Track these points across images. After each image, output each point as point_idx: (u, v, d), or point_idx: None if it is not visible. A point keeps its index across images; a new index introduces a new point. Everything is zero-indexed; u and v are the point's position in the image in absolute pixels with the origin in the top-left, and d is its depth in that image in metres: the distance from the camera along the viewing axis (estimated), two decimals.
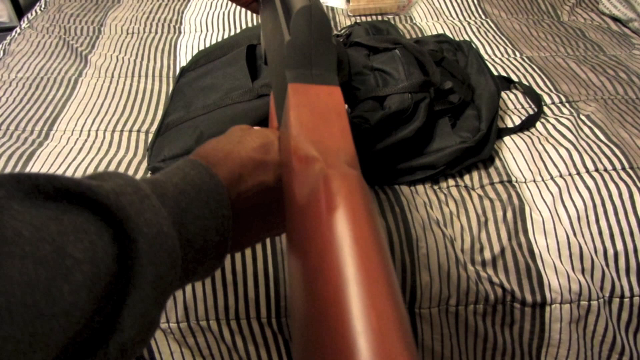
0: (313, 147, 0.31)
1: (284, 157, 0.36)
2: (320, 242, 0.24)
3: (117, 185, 0.28)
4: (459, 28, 1.17)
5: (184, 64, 1.05)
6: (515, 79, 0.94)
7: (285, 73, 0.37)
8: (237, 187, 0.36)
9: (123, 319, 0.26)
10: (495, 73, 0.96)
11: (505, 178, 0.73)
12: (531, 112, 0.85)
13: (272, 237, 0.66)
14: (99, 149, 0.82)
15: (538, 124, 0.82)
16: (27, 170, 0.77)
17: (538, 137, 0.79)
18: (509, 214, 0.68)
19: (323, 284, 0.22)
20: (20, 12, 2.21)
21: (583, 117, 0.82)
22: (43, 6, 1.38)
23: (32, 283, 0.21)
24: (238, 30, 1.21)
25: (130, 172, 0.77)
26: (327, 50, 0.38)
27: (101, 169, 0.77)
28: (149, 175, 0.76)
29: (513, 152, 0.77)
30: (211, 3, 1.35)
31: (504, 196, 0.70)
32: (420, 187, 0.72)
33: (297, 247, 0.28)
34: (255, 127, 0.43)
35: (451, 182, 0.73)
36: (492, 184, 0.72)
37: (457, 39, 1.11)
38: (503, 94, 0.90)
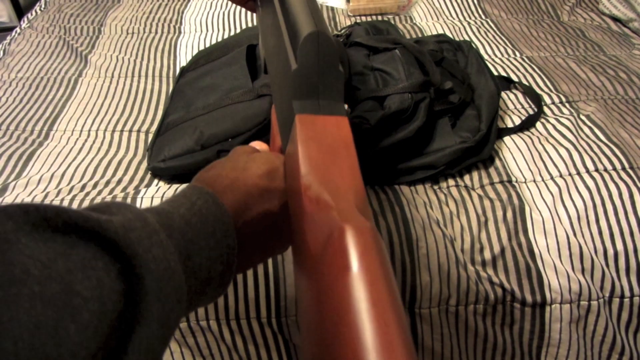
0: (324, 188, 0.31)
1: (291, 189, 0.36)
2: (337, 303, 0.25)
3: (126, 219, 0.28)
4: (459, 28, 1.17)
5: (184, 64, 1.05)
6: (515, 79, 0.94)
7: (291, 102, 0.37)
8: (242, 215, 0.36)
9: (128, 356, 0.26)
10: (495, 73, 0.96)
11: (505, 178, 0.73)
12: (531, 112, 0.85)
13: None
14: (99, 149, 0.82)
15: (538, 124, 0.82)
16: (28, 169, 0.77)
17: (538, 137, 0.79)
18: (509, 214, 0.68)
19: (341, 347, 0.23)
20: (20, 12, 2.21)
21: (583, 117, 0.82)
22: (43, 6, 1.38)
23: (40, 325, 0.21)
24: (238, 30, 1.21)
25: (130, 172, 0.77)
26: (335, 78, 0.37)
27: (101, 169, 0.77)
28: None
29: (513, 152, 0.77)
30: (211, 3, 1.35)
31: (504, 196, 0.70)
32: (420, 187, 0.72)
33: (311, 292, 0.28)
34: (260, 151, 0.43)
35: (451, 182, 0.73)
36: (492, 184, 0.72)
37: (457, 39, 1.11)
38: (503, 94, 0.90)
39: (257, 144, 0.49)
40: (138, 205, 0.68)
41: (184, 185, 0.72)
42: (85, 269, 0.24)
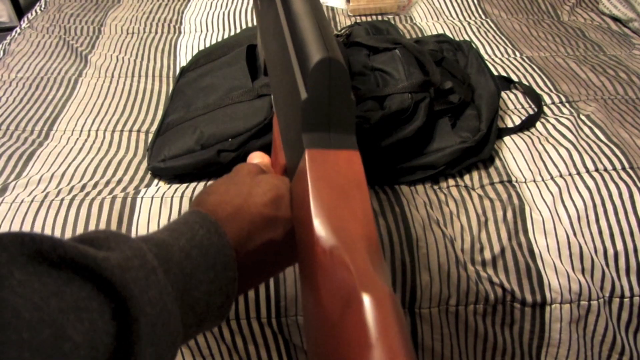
0: (337, 238, 0.30)
1: (298, 219, 0.35)
2: (357, 350, 0.25)
3: (123, 257, 0.27)
4: (459, 28, 1.17)
5: (184, 64, 1.05)
6: (515, 79, 0.94)
7: (300, 131, 0.35)
8: (245, 245, 0.35)
9: None
10: (495, 73, 0.96)
11: (505, 178, 0.73)
12: (531, 112, 0.85)
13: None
14: (99, 149, 0.82)
15: (538, 124, 0.82)
16: (28, 169, 0.77)
17: (538, 137, 0.79)
18: (509, 214, 0.68)
19: None
20: (20, 12, 2.21)
21: (583, 117, 0.82)
22: (43, 6, 1.38)
23: None
24: (238, 30, 1.21)
25: (130, 172, 0.77)
26: (346, 108, 0.35)
27: (101, 169, 0.77)
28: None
29: (513, 152, 0.77)
30: (211, 3, 1.35)
31: (504, 196, 0.70)
32: (420, 187, 0.72)
33: (327, 345, 0.28)
34: (265, 170, 0.42)
35: (451, 182, 0.73)
36: (492, 184, 0.72)
37: (457, 39, 1.11)
38: (503, 94, 0.90)
39: (259, 156, 0.47)
40: (138, 205, 0.68)
41: (186, 188, 0.72)
42: (78, 310, 0.23)
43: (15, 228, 0.66)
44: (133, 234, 0.66)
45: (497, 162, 0.76)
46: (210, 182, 0.72)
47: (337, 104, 0.35)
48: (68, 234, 0.66)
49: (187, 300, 0.31)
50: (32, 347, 0.21)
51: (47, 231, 0.66)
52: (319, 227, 0.31)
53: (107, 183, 0.74)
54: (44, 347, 0.21)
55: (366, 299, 0.26)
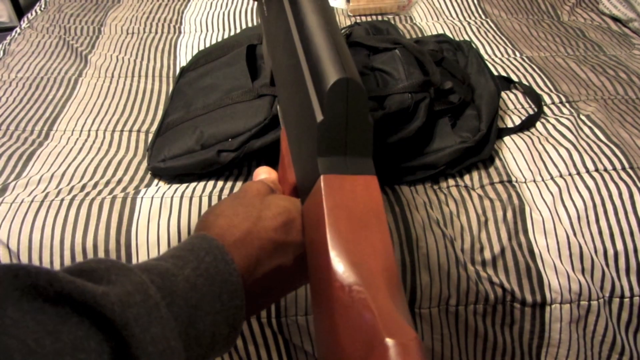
0: (356, 274, 0.29)
1: (311, 243, 0.34)
2: None
3: (124, 292, 0.26)
4: (459, 28, 1.17)
5: (184, 64, 1.05)
6: (515, 79, 0.94)
7: (315, 158, 0.33)
8: (254, 272, 0.34)
9: None
10: (495, 73, 0.96)
11: (505, 178, 0.73)
12: (531, 112, 0.85)
13: None
14: (99, 149, 0.82)
15: (538, 124, 0.82)
16: (28, 169, 0.77)
17: (538, 137, 0.79)
18: (509, 214, 0.68)
19: None
20: (20, 12, 2.21)
21: (583, 117, 0.82)
22: (43, 6, 1.38)
23: None
24: (238, 30, 1.21)
25: (130, 172, 0.77)
26: (364, 131, 0.33)
27: (101, 169, 0.77)
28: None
29: (513, 152, 0.77)
30: (211, 3, 1.35)
31: (504, 196, 0.70)
32: (420, 187, 0.72)
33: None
34: (274, 194, 0.39)
35: (451, 182, 0.73)
36: (492, 184, 0.72)
37: (457, 39, 1.11)
38: (503, 94, 0.90)
39: (266, 171, 0.45)
40: (138, 205, 0.68)
41: (186, 188, 0.72)
42: (75, 351, 0.22)
43: (15, 228, 0.66)
44: (133, 234, 0.66)
45: (497, 162, 0.76)
46: (214, 192, 0.72)
47: (355, 127, 0.33)
48: (68, 234, 0.66)
49: (191, 334, 0.29)
50: None
51: (48, 232, 0.66)
52: (337, 261, 0.29)
53: (107, 183, 0.74)
54: None
55: (392, 345, 0.25)
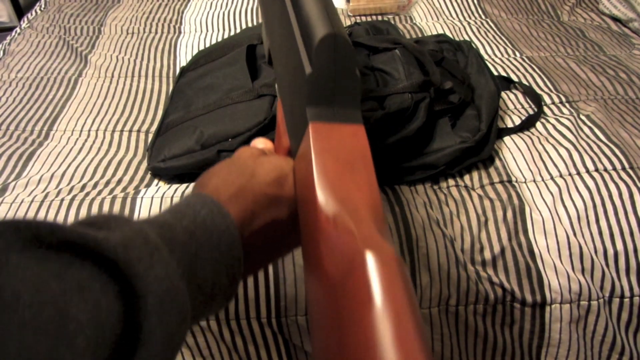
0: (341, 207, 0.30)
1: (302, 198, 0.35)
2: (362, 337, 0.24)
3: (125, 237, 0.26)
4: (459, 28, 1.17)
5: (184, 64, 1.05)
6: (515, 79, 0.94)
7: (304, 107, 0.35)
8: (250, 225, 0.35)
9: None
10: (495, 73, 0.96)
11: (505, 178, 0.73)
12: (531, 112, 0.85)
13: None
14: (99, 149, 0.82)
15: (538, 124, 0.82)
16: (28, 169, 0.77)
17: (538, 137, 0.79)
18: (509, 214, 0.68)
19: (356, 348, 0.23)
20: (20, 12, 2.21)
21: (583, 117, 0.82)
22: (43, 6, 1.38)
23: (32, 355, 0.20)
24: (238, 30, 1.21)
25: (130, 172, 0.77)
26: (351, 83, 0.35)
27: (101, 169, 0.77)
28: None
29: (513, 152, 0.77)
30: (211, 3, 1.35)
31: (504, 196, 0.70)
32: (420, 187, 0.72)
33: (330, 317, 0.27)
34: (267, 152, 0.41)
35: (451, 182, 0.73)
36: (492, 184, 0.72)
37: (457, 39, 1.11)
38: (503, 94, 0.90)
39: (262, 142, 0.47)
40: (138, 205, 0.68)
41: (186, 188, 0.72)
42: (81, 291, 0.22)
43: None
44: None
45: (497, 162, 0.76)
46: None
47: (342, 79, 0.34)
48: None
49: (192, 280, 0.30)
50: (35, 327, 0.20)
51: None
52: (322, 195, 0.30)
53: (107, 183, 0.74)
54: (48, 327, 0.20)
55: (370, 258, 0.25)
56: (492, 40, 1.10)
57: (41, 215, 0.67)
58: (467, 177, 0.74)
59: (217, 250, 0.32)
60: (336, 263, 0.28)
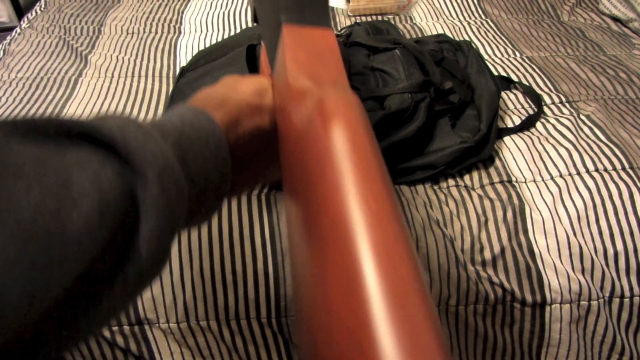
0: (309, 80, 0.32)
1: (280, 101, 0.37)
2: (318, 152, 0.25)
3: (119, 123, 0.27)
4: (459, 28, 1.17)
5: (184, 64, 1.05)
6: (515, 79, 0.94)
7: (279, 16, 0.38)
8: (234, 130, 0.37)
9: (138, 249, 0.25)
10: (495, 73, 0.96)
11: (505, 178, 0.73)
12: (531, 112, 0.85)
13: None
14: None
15: (538, 124, 0.82)
16: None
17: (538, 137, 0.79)
18: (509, 214, 0.68)
19: (322, 192, 0.23)
20: (20, 12, 2.21)
21: (583, 117, 0.82)
22: (43, 6, 1.38)
23: (40, 208, 0.20)
24: (238, 30, 1.21)
25: None
26: (321, 2, 0.38)
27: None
28: None
29: (513, 152, 0.77)
30: (211, 3, 1.35)
31: (504, 196, 0.70)
32: (420, 187, 0.72)
33: (296, 175, 0.28)
34: (248, 75, 0.44)
35: (451, 182, 0.73)
36: (492, 184, 0.72)
37: (457, 39, 1.11)
38: (503, 94, 0.90)
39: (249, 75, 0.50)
40: None
41: None
42: (81, 164, 0.23)
43: None
44: None
45: (497, 162, 0.76)
46: None
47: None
48: None
49: (186, 172, 0.31)
50: (41, 188, 0.21)
51: None
52: (292, 74, 0.33)
53: None
54: (53, 190, 0.21)
55: (328, 96, 0.27)
56: (492, 40, 1.10)
57: None
58: (467, 177, 0.74)
59: (207, 148, 0.33)
60: (302, 122, 0.29)
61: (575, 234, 0.67)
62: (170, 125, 0.32)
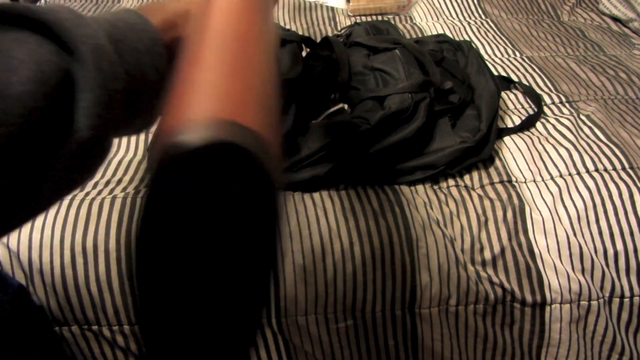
0: None
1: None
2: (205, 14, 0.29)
3: (51, 7, 0.29)
4: (459, 28, 1.17)
5: None
6: (515, 79, 0.94)
7: None
8: (170, 32, 0.37)
9: (79, 119, 0.27)
10: (495, 73, 0.96)
11: (505, 178, 0.73)
12: (531, 112, 0.85)
13: None
14: None
15: (538, 124, 0.82)
16: None
17: (538, 137, 0.79)
18: (509, 214, 0.68)
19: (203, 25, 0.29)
20: None
21: (583, 117, 0.82)
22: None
23: None
24: None
25: (130, 172, 0.77)
26: None
27: (101, 168, 0.77)
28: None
29: (513, 152, 0.77)
30: None
31: (504, 196, 0.70)
32: (420, 187, 0.72)
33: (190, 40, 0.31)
34: None
35: (451, 182, 0.73)
36: (492, 184, 0.72)
37: (457, 39, 1.11)
38: (503, 94, 0.90)
39: None
40: (138, 205, 0.68)
41: None
42: (18, 42, 0.25)
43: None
44: (133, 234, 0.66)
45: (497, 162, 0.76)
46: None
47: None
48: (68, 234, 0.66)
49: (120, 61, 0.31)
50: None
51: (48, 231, 0.66)
52: None
53: (107, 183, 0.74)
54: None
55: None
56: (492, 40, 1.10)
57: (41, 215, 0.67)
58: (467, 177, 0.73)
59: (140, 42, 0.34)
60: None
61: (575, 234, 0.67)
62: (103, 21, 0.33)
